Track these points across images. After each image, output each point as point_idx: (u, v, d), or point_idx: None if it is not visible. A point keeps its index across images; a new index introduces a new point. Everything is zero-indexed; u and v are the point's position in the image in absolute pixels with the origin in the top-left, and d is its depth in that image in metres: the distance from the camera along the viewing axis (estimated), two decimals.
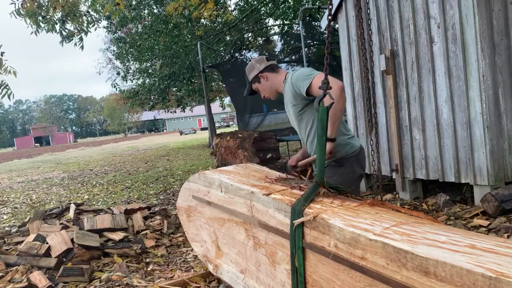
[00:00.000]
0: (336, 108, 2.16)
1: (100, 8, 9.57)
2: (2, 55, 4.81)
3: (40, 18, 5.68)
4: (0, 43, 4.74)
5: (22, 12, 5.49)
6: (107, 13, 10.45)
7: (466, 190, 4.34)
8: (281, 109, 12.04)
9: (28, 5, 5.45)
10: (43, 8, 5.69)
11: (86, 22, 6.34)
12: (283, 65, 11.73)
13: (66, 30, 6.13)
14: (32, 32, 5.74)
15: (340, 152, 2.42)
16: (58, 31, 6.02)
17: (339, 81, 2.26)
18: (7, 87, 4.89)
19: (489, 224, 3.48)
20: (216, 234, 2.67)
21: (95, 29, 6.47)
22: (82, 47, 6.41)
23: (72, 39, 6.30)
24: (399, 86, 4.67)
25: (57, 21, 5.95)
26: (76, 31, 6.23)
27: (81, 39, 6.32)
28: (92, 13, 6.55)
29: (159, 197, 6.90)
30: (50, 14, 5.83)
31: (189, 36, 13.22)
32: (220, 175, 2.62)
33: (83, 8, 6.43)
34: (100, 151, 26.76)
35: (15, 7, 5.46)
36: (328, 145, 2.26)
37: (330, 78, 2.15)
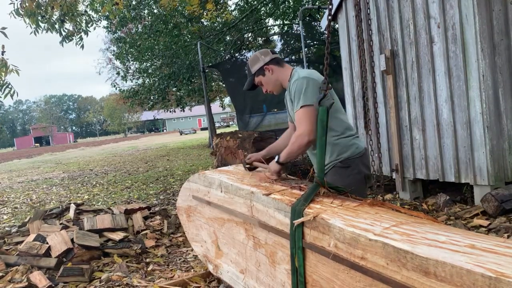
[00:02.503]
0: (291, 150, 2.26)
1: (99, 8, 9.56)
2: (2, 54, 4.81)
3: (39, 18, 5.67)
4: (1, 43, 4.75)
5: (21, 12, 5.48)
6: (106, 13, 10.44)
7: (466, 190, 4.34)
8: (281, 109, 12.04)
9: (27, 4, 5.44)
10: (42, 8, 5.68)
11: (84, 22, 6.34)
12: None
13: (66, 30, 6.13)
14: (31, 32, 5.74)
15: (345, 153, 2.38)
16: (57, 30, 6.02)
17: (311, 134, 2.19)
18: (10, 86, 4.89)
19: (489, 224, 3.48)
20: (216, 234, 2.67)
21: (94, 28, 6.46)
22: (82, 46, 6.41)
23: (72, 39, 6.30)
24: (399, 86, 4.67)
25: (56, 21, 5.95)
26: (75, 30, 6.23)
27: (81, 38, 6.33)
28: (90, 12, 6.54)
29: (159, 197, 6.90)
30: (48, 14, 5.83)
31: (189, 36, 13.21)
32: (220, 175, 2.62)
33: (81, 7, 6.42)
34: (100, 151, 26.76)
35: (14, 7, 5.45)
36: (277, 167, 2.37)
37: (309, 124, 2.18)
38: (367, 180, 2.52)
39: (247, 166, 2.66)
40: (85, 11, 6.48)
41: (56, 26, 5.97)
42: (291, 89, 2.37)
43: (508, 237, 3.15)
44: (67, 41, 6.27)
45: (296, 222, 1.77)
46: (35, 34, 5.81)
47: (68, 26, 6.16)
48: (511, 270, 1.05)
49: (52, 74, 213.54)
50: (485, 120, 3.83)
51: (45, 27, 5.86)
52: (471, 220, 3.68)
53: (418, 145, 4.53)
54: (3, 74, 4.74)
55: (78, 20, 6.15)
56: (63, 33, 6.13)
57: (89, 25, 6.39)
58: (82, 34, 6.29)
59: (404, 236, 1.39)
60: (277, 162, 2.39)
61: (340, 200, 1.86)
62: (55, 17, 5.94)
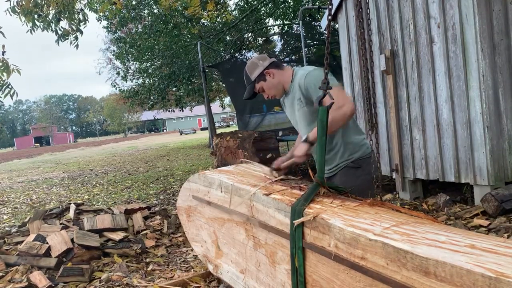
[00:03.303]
0: (331, 125, 1.98)
1: (98, 7, 9.54)
2: (3, 54, 4.81)
3: (36, 16, 5.65)
4: (2, 43, 4.75)
5: (17, 9, 5.46)
6: (106, 12, 10.44)
7: (466, 190, 4.34)
8: (281, 109, 12.01)
9: (23, 3, 5.43)
10: (39, 6, 5.67)
11: (78, 20, 6.30)
12: None
13: (62, 29, 6.11)
14: (27, 31, 5.72)
15: (357, 153, 2.34)
16: (53, 29, 6.00)
17: (352, 104, 2.13)
18: (10, 86, 4.89)
19: (489, 224, 3.48)
20: (216, 234, 2.67)
21: (84, 27, 6.38)
22: (77, 46, 6.36)
23: (67, 38, 6.26)
24: (399, 86, 4.67)
25: (52, 20, 5.92)
26: (70, 29, 6.20)
27: (76, 38, 6.30)
28: (86, 11, 6.48)
29: (159, 197, 6.90)
30: (44, 12, 5.81)
31: (189, 36, 13.22)
32: (220, 175, 2.62)
33: (78, 6, 6.38)
34: (100, 151, 26.76)
35: (10, 5, 5.43)
36: (307, 147, 2.17)
37: (346, 97, 2.13)
38: (377, 182, 2.48)
39: (281, 173, 2.42)
40: (81, 9, 6.43)
41: (52, 24, 5.95)
42: (305, 83, 2.26)
43: (508, 237, 3.15)
44: (62, 40, 6.23)
45: (296, 222, 1.77)
46: (31, 33, 5.79)
47: (64, 24, 6.14)
48: (511, 270, 1.05)
49: (52, 74, 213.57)
50: (485, 120, 3.83)
51: (41, 26, 5.83)
52: (471, 220, 3.68)
53: (418, 145, 4.53)
54: (5, 74, 4.74)
55: (74, 18, 6.11)
56: (59, 32, 6.10)
57: (81, 24, 6.33)
58: (78, 33, 6.25)
59: (404, 236, 1.39)
60: (306, 141, 2.16)
61: (340, 200, 1.86)
62: (51, 15, 5.92)
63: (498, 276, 1.04)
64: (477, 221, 3.59)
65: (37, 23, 5.72)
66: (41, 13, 5.71)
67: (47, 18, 5.84)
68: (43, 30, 5.88)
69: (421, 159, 4.51)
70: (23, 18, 5.52)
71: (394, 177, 4.90)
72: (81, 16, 6.27)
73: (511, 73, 3.93)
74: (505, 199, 3.61)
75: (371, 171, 2.39)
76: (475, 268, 1.10)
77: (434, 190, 4.79)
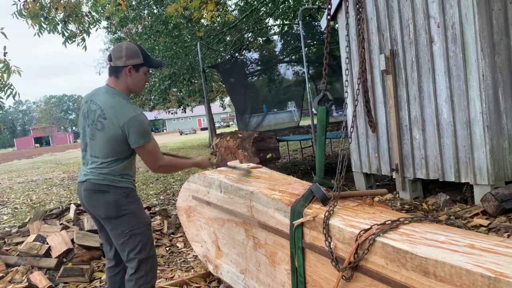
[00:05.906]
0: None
1: (101, 10, 9.54)
2: (5, 55, 4.81)
3: (42, 19, 5.69)
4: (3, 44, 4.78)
5: (24, 13, 5.50)
6: (108, 14, 10.45)
7: (466, 190, 4.34)
8: (281, 109, 12.02)
9: (30, 6, 5.46)
10: (45, 9, 5.70)
11: (88, 22, 6.35)
12: (283, 65, 11.75)
13: (68, 31, 6.15)
14: (35, 34, 5.77)
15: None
16: (60, 32, 6.04)
17: (159, 163, 2.22)
18: (11, 87, 4.90)
19: (489, 223, 3.48)
20: (216, 234, 2.67)
21: (96, 29, 6.47)
22: (85, 47, 6.41)
23: (74, 40, 6.31)
24: (399, 86, 4.67)
25: (59, 22, 5.96)
26: (78, 31, 6.24)
27: (83, 39, 6.33)
28: (93, 13, 6.54)
29: (159, 197, 6.90)
30: (52, 15, 5.85)
31: (189, 37, 13.21)
32: (219, 175, 2.62)
33: (84, 9, 6.44)
34: None
35: (17, 8, 5.46)
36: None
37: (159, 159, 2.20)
38: None
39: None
40: (89, 12, 6.48)
41: (59, 27, 5.99)
42: (127, 124, 2.14)
43: (508, 236, 3.15)
44: (69, 42, 6.27)
45: (296, 223, 1.77)
46: (39, 36, 5.84)
47: (72, 27, 6.18)
48: (511, 270, 1.05)
49: (52, 74, 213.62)
50: (485, 119, 3.83)
51: (48, 28, 5.87)
52: (471, 219, 3.68)
53: (418, 145, 4.53)
54: (5, 76, 4.75)
55: (82, 20, 6.16)
56: (66, 34, 6.15)
57: (91, 26, 6.39)
58: (85, 35, 6.30)
59: (404, 236, 1.39)
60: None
61: (340, 200, 1.86)
62: (58, 18, 5.96)
63: (498, 276, 1.04)
64: (477, 220, 3.59)
65: (44, 25, 5.75)
66: (47, 16, 5.74)
67: (54, 21, 5.88)
68: (49, 33, 5.91)
69: (421, 159, 4.51)
70: (29, 21, 5.55)
71: (394, 176, 4.90)
72: (89, 18, 6.31)
73: (511, 72, 3.93)
74: (505, 199, 3.61)
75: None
76: (475, 268, 1.10)
77: (434, 190, 4.79)
